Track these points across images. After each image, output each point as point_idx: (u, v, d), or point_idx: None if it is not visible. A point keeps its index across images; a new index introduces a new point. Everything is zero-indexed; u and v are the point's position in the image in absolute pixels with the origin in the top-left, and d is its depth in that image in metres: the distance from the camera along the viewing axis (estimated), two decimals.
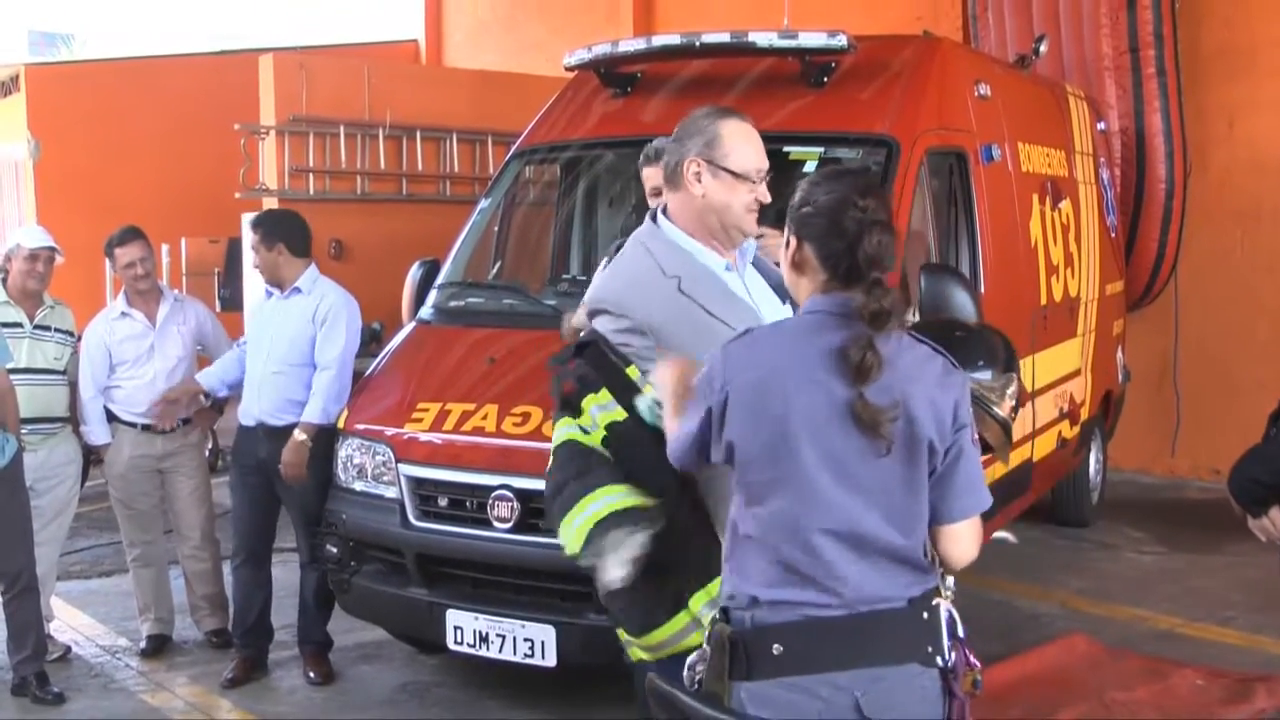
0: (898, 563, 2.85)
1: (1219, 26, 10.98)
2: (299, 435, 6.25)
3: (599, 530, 3.47)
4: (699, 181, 3.71)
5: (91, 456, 7.04)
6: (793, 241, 2.97)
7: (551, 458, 3.67)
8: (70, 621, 7.48)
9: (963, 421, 2.90)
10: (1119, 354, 9.86)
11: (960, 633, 2.93)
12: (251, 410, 6.48)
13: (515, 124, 8.17)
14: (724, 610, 2.94)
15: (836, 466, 2.80)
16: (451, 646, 5.69)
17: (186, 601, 7.16)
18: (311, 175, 11.59)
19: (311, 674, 6.49)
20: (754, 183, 3.72)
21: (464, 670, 6.38)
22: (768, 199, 3.75)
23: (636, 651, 3.66)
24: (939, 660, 2.87)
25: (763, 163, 3.74)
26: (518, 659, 5.45)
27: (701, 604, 3.48)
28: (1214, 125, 11.07)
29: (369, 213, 11.90)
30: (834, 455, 2.80)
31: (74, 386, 6.81)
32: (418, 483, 5.87)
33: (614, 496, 3.52)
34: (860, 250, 2.84)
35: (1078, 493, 9.35)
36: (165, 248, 14.02)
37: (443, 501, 5.81)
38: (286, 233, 6.57)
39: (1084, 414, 8.69)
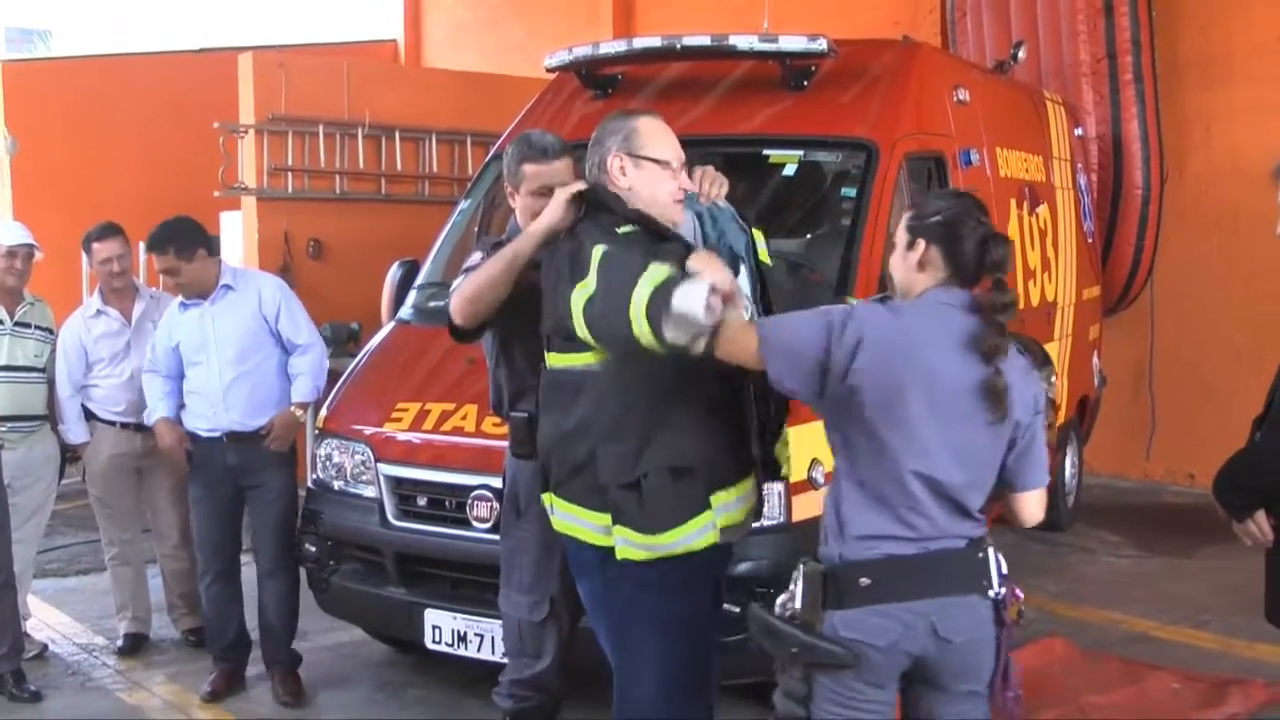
0: (963, 513, 3.45)
1: (1196, 33, 11.02)
2: (297, 412, 6.20)
3: (656, 299, 3.42)
4: (624, 175, 3.89)
5: (68, 454, 7.01)
6: (921, 244, 3.53)
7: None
8: (47, 619, 7.48)
9: (1039, 408, 3.55)
10: (1095, 359, 9.90)
11: (1004, 571, 3.52)
12: (216, 421, 6.18)
13: (495, 125, 8.18)
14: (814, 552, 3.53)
15: (942, 426, 3.38)
16: (430, 646, 5.71)
17: (164, 600, 7.15)
18: (290, 174, 11.56)
19: (281, 692, 6.30)
20: (676, 170, 3.93)
21: (442, 670, 6.37)
22: (691, 186, 4.01)
23: (631, 551, 3.77)
24: (991, 593, 3.47)
25: (680, 153, 3.97)
26: (496, 659, 5.45)
27: (719, 504, 3.83)
28: (1191, 132, 11.12)
29: (348, 212, 11.88)
30: (943, 417, 3.37)
31: (53, 384, 6.80)
32: (397, 482, 5.89)
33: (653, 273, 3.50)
34: (987, 257, 3.48)
35: (1053, 497, 9.38)
36: (143, 245, 13.99)
37: (422, 501, 5.84)
38: (199, 236, 6.26)
39: (1060, 418, 8.73)
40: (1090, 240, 9.93)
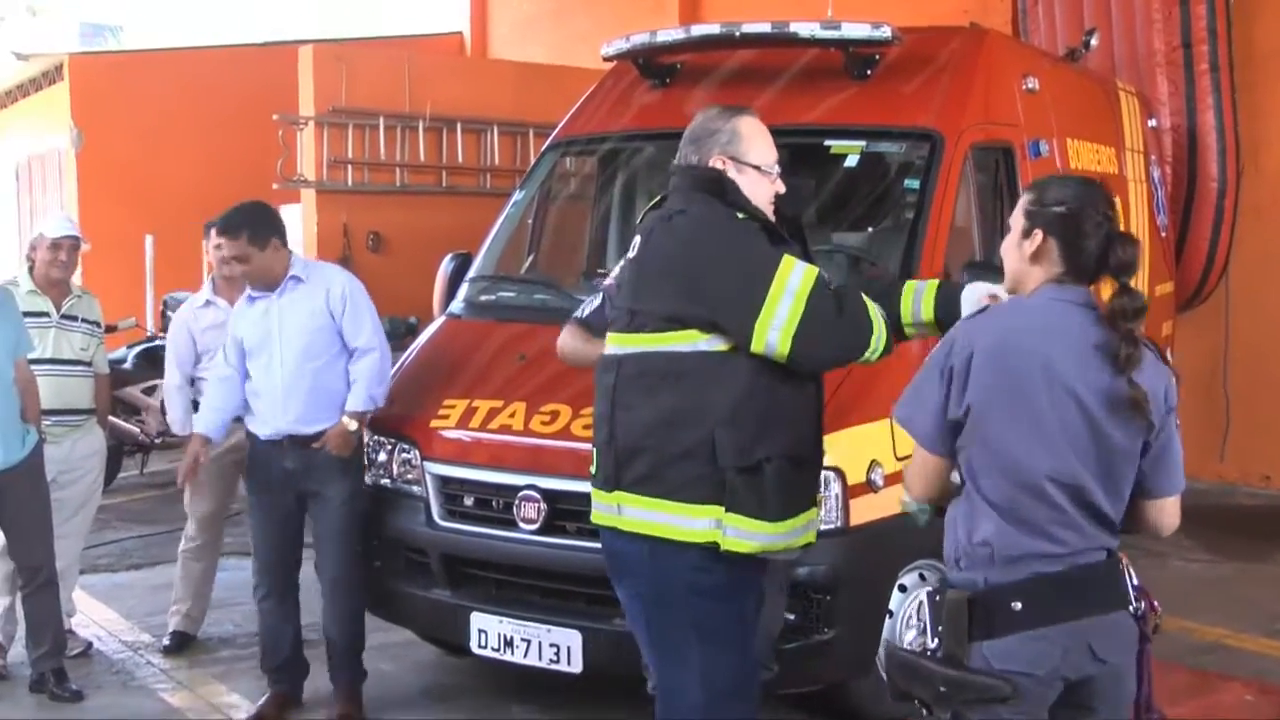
0: (1100, 522, 3.21)
1: (1275, 22, 10.74)
2: (348, 423, 5.72)
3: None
4: None
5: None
6: (1038, 234, 3.29)
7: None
8: (94, 615, 7.40)
9: (1171, 404, 3.29)
10: (1168, 356, 9.60)
11: (1136, 582, 3.31)
12: (274, 422, 5.78)
13: (557, 116, 8.06)
14: (943, 579, 3.30)
15: (1072, 427, 3.16)
16: (475, 650, 5.53)
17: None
18: (350, 167, 11.52)
19: (339, 707, 5.90)
20: (774, 175, 3.96)
21: (490, 674, 6.22)
22: (783, 189, 4.00)
23: (739, 543, 3.71)
24: (1132, 607, 3.27)
25: (775, 155, 4.01)
26: (543, 664, 5.31)
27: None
28: (1268, 123, 10.83)
29: (408, 205, 11.83)
30: (1072, 418, 3.15)
31: (100, 378, 6.71)
32: (443, 481, 5.72)
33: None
34: (1112, 256, 3.27)
35: None
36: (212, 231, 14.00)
37: (468, 501, 5.66)
38: (274, 223, 5.87)
39: None
40: (1163, 234, 9.65)
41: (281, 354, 5.80)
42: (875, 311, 3.84)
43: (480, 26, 19.33)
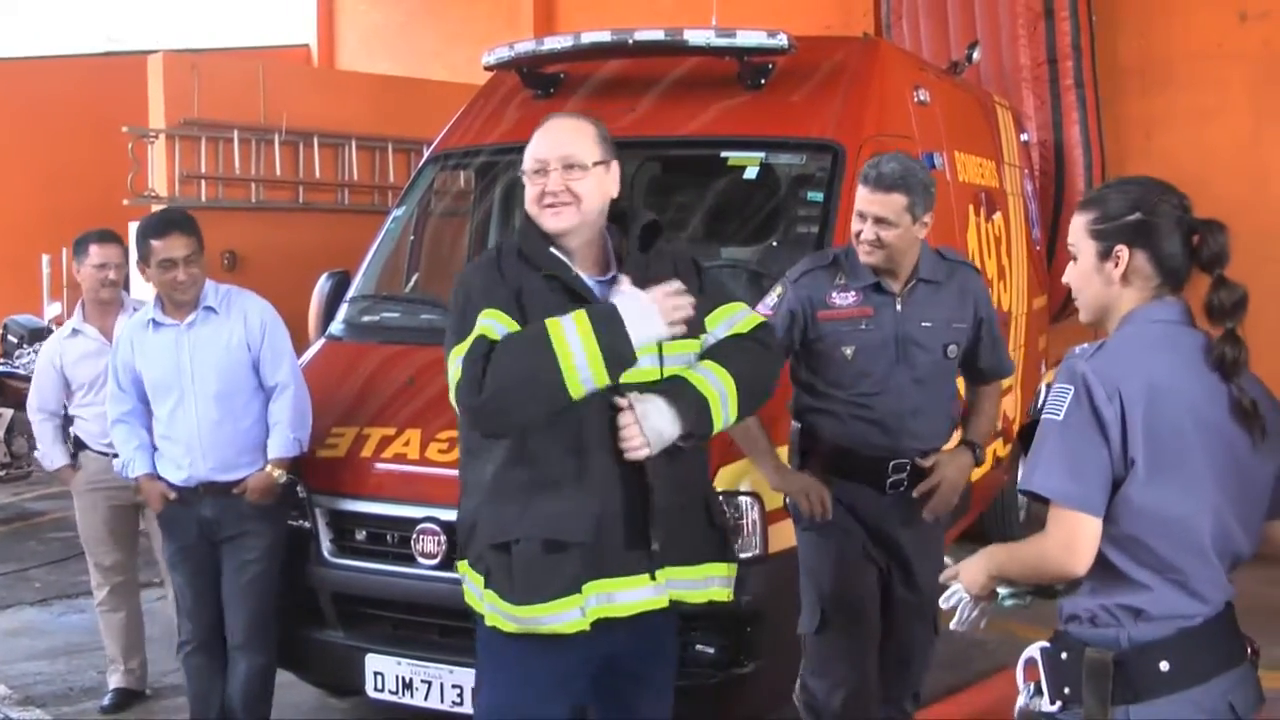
0: (1234, 564, 2.97)
1: (1135, 39, 10.94)
2: (275, 473, 5.28)
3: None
4: None
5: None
6: (1121, 253, 2.95)
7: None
8: None
9: None
10: (1043, 369, 9.62)
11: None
12: (190, 469, 5.28)
13: (416, 130, 7.79)
14: (1064, 634, 2.97)
15: (1221, 472, 2.87)
16: (371, 694, 5.21)
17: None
18: (204, 181, 11.06)
19: None
20: (533, 174, 3.49)
21: (383, 717, 5.86)
22: (554, 187, 3.45)
23: (498, 620, 3.43)
24: (1250, 656, 3.02)
25: (542, 152, 3.49)
26: (445, 707, 5.02)
27: (595, 593, 3.40)
28: (1131, 138, 10.98)
29: (265, 222, 11.39)
30: (1218, 460, 2.87)
31: None
32: (333, 515, 5.39)
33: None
34: (1204, 250, 2.92)
35: (1006, 510, 9.07)
36: (46, 258, 13.44)
37: (361, 535, 5.34)
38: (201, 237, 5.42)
39: (1015, 432, 8.41)
40: (1038, 248, 9.65)
41: (196, 395, 5.28)
42: (575, 349, 3.26)
43: (327, 38, 18.90)
